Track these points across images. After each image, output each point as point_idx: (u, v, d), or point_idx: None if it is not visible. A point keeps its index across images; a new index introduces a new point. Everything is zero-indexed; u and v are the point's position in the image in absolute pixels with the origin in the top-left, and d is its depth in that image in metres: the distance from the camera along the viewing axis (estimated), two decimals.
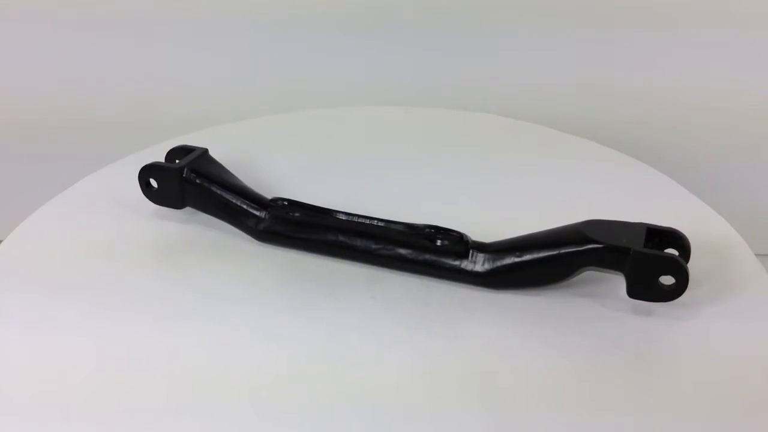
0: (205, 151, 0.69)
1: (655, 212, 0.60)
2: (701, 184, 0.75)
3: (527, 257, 0.58)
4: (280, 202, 0.64)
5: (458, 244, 0.59)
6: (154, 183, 0.67)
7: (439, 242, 0.59)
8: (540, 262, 0.57)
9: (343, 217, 0.62)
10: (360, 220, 0.62)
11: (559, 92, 1.11)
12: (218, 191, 0.65)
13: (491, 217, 0.66)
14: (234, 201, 0.65)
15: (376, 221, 0.62)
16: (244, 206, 0.65)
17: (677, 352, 0.54)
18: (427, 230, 0.60)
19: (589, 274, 0.59)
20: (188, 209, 0.68)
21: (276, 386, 0.51)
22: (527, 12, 1.06)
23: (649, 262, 0.54)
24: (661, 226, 0.58)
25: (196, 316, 0.57)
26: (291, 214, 0.63)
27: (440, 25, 1.08)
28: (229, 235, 0.66)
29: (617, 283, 0.59)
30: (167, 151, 0.70)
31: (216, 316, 0.57)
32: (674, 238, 0.57)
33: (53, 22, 1.12)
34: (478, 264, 0.59)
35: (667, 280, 0.55)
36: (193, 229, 0.67)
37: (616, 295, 0.58)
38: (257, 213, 0.64)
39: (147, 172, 0.66)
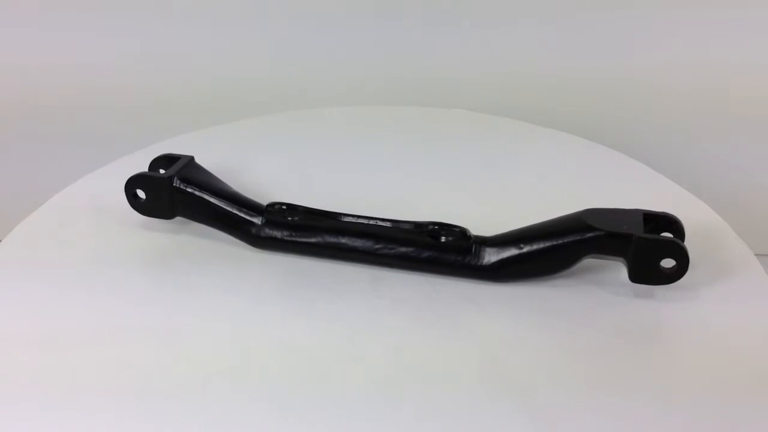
0: (192, 158, 0.67)
1: (637, 199, 0.61)
2: (700, 185, 0.76)
3: (532, 248, 0.59)
4: (277, 207, 0.63)
5: (462, 239, 0.60)
6: (141, 194, 0.65)
7: (443, 239, 0.60)
8: (545, 252, 0.58)
9: (344, 219, 0.62)
10: (361, 220, 0.62)
11: (539, 84, 1.12)
12: (211, 199, 0.64)
13: (483, 212, 0.67)
14: (228, 208, 0.64)
15: (377, 221, 0.61)
16: (239, 213, 0.64)
17: (682, 331, 0.56)
18: (431, 227, 0.60)
19: (588, 262, 0.61)
20: (177, 219, 0.66)
21: (301, 392, 0.50)
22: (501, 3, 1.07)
23: (651, 247, 0.56)
24: (655, 212, 0.59)
25: (205, 327, 0.56)
26: (289, 218, 0.62)
27: (411, 20, 1.08)
28: (224, 244, 0.65)
29: (616, 269, 0.61)
30: (150, 160, 0.68)
31: (225, 326, 0.56)
32: (668, 222, 0.59)
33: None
34: (483, 258, 0.60)
35: (667, 263, 0.57)
36: (186, 239, 0.66)
37: (616, 280, 0.60)
38: (253, 219, 0.63)
39: (134, 183, 0.64)
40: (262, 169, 0.77)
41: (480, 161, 0.80)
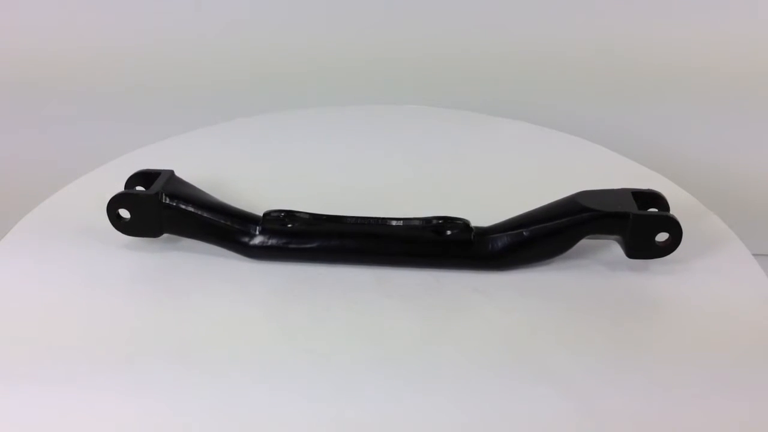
0: (172, 172, 0.65)
1: (606, 180, 0.64)
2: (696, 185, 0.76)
3: (534, 234, 0.60)
4: (274, 215, 0.61)
5: (465, 231, 0.61)
6: (125, 213, 0.62)
7: (449, 232, 0.60)
8: (547, 237, 0.60)
9: (346, 221, 0.61)
10: (361, 221, 0.61)
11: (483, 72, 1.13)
12: (202, 213, 0.62)
13: (463, 204, 0.67)
14: (222, 221, 0.62)
15: (379, 221, 0.61)
16: (233, 224, 0.62)
17: (681, 299, 0.59)
18: (435, 222, 0.60)
19: (580, 243, 0.63)
20: (162, 236, 0.63)
21: (339, 397, 0.49)
22: None
23: (647, 223, 0.59)
24: (641, 189, 0.62)
25: (223, 348, 0.54)
26: (289, 225, 0.61)
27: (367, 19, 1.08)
28: (218, 258, 0.63)
29: (607, 247, 0.63)
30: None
31: (244, 346, 0.54)
32: (654, 198, 0.62)
33: None
34: (485, 248, 0.61)
35: (661, 237, 0.60)
36: (177, 257, 0.63)
37: (610, 258, 0.63)
38: (248, 229, 0.62)
39: (117, 203, 0.61)
40: (241, 177, 0.74)
41: (444, 155, 0.82)
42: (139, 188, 0.64)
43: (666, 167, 0.78)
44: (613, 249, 0.63)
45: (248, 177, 0.75)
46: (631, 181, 0.64)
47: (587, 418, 0.48)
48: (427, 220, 0.61)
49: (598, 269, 0.62)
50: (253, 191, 0.70)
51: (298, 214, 0.62)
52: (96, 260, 0.62)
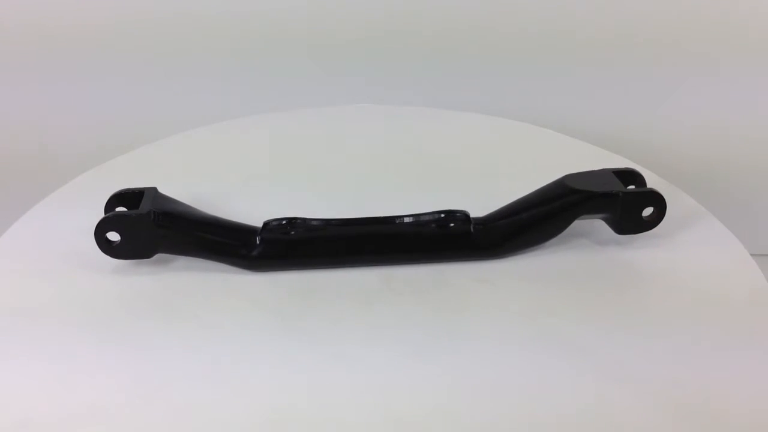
0: (155, 189, 0.62)
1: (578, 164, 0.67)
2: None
3: (530, 219, 0.63)
4: (275, 223, 0.60)
5: (465, 223, 0.62)
6: (115, 237, 0.59)
7: (452, 224, 0.61)
8: (543, 221, 0.63)
9: (347, 224, 0.61)
10: (363, 222, 0.61)
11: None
12: (199, 229, 0.60)
13: (443, 198, 0.68)
14: (219, 235, 0.60)
15: (381, 220, 0.61)
16: (232, 238, 0.60)
17: (669, 268, 0.63)
18: (438, 216, 0.61)
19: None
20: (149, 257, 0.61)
21: (380, 396, 0.49)
22: None
23: (635, 200, 0.62)
24: (620, 168, 0.66)
25: (250, 369, 0.52)
26: (292, 232, 0.60)
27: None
28: (217, 273, 0.61)
29: (594, 225, 0.66)
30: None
31: (263, 359, 0.53)
32: (632, 175, 0.66)
33: None
34: (484, 237, 0.62)
35: (647, 212, 0.63)
36: (174, 276, 0.61)
37: (599, 236, 0.66)
38: (247, 241, 0.60)
39: (107, 226, 0.58)
40: (225, 187, 0.73)
41: (408, 151, 0.83)
42: (121, 209, 0.61)
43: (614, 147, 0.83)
44: (597, 227, 0.66)
45: (232, 186, 0.73)
46: (594, 162, 0.67)
47: (607, 374, 0.51)
48: (429, 215, 0.62)
49: (590, 247, 0.65)
50: (239, 201, 0.69)
51: (298, 221, 0.61)
52: (85, 290, 0.59)
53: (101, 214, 0.59)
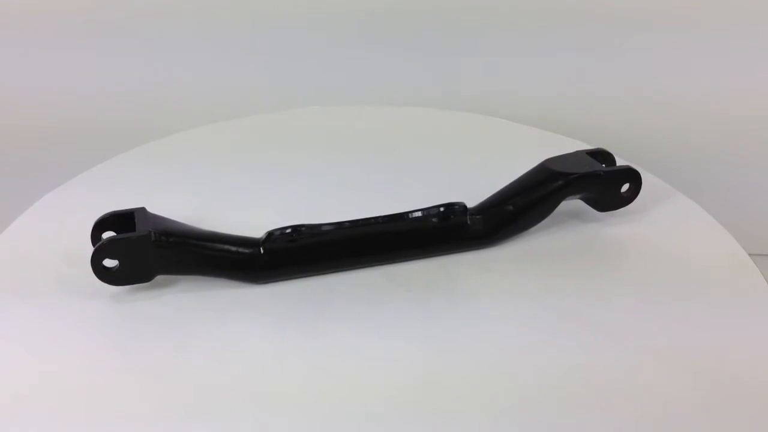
0: (144, 209, 0.60)
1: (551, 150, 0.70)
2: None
3: (522, 205, 0.65)
4: (278, 233, 0.59)
5: (463, 214, 0.63)
6: (111, 263, 0.56)
7: (452, 217, 0.62)
8: (534, 205, 0.65)
9: (349, 226, 0.61)
10: (365, 222, 0.61)
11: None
12: (198, 246, 0.58)
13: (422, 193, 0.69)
14: (220, 250, 0.58)
15: (380, 220, 0.62)
16: (232, 252, 0.59)
17: (648, 239, 0.67)
18: (438, 210, 0.62)
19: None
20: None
21: (418, 394, 0.50)
22: None
23: (615, 177, 0.66)
24: (592, 149, 0.70)
25: (282, 382, 0.51)
26: (294, 241, 0.59)
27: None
28: (221, 289, 0.59)
29: (570, 205, 0.69)
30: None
31: (295, 366, 0.52)
32: (603, 155, 0.70)
33: None
34: (480, 227, 0.64)
35: (623, 188, 0.67)
36: (175, 299, 0.58)
37: (581, 215, 0.69)
38: (250, 254, 0.59)
39: (103, 253, 0.55)
40: (210, 199, 0.71)
41: (379, 150, 0.84)
42: (109, 234, 0.58)
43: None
44: (575, 206, 0.69)
45: (212, 199, 0.71)
46: (557, 148, 0.70)
47: (618, 338, 0.54)
48: (433, 209, 0.62)
49: (574, 226, 0.68)
50: (227, 213, 0.68)
51: (301, 228, 0.60)
52: (80, 322, 0.56)
53: (82, 238, 0.57)
